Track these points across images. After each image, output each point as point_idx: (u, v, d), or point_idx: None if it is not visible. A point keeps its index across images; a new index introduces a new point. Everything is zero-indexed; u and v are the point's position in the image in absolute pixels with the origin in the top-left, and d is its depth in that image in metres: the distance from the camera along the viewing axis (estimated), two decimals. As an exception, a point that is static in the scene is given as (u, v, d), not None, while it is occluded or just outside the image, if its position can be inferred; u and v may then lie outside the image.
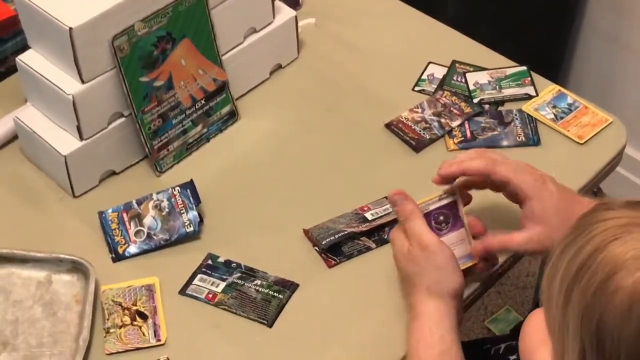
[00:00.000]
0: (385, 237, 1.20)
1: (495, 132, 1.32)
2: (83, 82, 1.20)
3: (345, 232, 1.19)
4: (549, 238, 1.07)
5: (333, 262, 1.19)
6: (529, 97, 1.37)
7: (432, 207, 1.10)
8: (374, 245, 1.20)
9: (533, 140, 1.30)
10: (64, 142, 1.24)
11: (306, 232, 1.21)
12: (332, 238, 1.18)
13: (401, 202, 1.07)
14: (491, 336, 1.96)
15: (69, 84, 1.20)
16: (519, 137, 1.31)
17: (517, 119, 1.33)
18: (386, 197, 1.24)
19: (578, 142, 1.30)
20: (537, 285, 1.69)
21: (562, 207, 1.08)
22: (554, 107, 1.35)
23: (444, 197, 1.10)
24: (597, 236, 0.78)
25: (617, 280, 0.75)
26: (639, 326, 0.74)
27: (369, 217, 1.22)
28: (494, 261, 1.13)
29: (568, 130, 1.32)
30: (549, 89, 1.38)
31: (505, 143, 1.30)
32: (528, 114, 1.34)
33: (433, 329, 1.03)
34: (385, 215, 1.22)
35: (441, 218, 1.10)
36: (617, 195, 2.14)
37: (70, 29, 1.15)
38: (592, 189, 1.30)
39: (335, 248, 1.19)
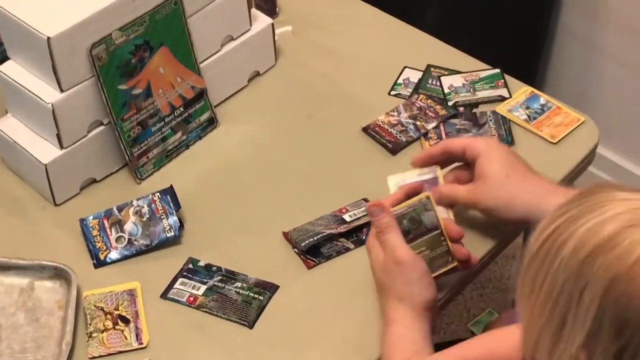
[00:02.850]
0: (364, 237, 1.22)
1: (470, 134, 1.34)
2: (62, 91, 1.22)
3: (324, 234, 1.21)
4: (487, 194, 1.12)
5: (312, 263, 1.20)
6: (502, 98, 1.39)
7: (406, 211, 1.11)
8: (352, 246, 1.22)
9: (507, 140, 1.33)
10: (45, 151, 1.26)
11: (285, 234, 1.23)
12: (311, 240, 1.20)
13: (378, 214, 1.09)
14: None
15: (49, 93, 1.22)
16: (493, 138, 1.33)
17: (491, 120, 1.35)
18: (365, 199, 1.26)
19: (551, 142, 1.33)
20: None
21: (505, 165, 1.12)
22: (527, 108, 1.37)
23: (417, 202, 1.11)
24: (619, 215, 0.77)
25: None
26: None
27: (347, 219, 1.24)
28: (471, 262, 1.14)
29: (541, 130, 1.34)
30: (522, 91, 1.40)
31: (480, 144, 1.33)
32: (502, 115, 1.36)
33: (404, 333, 1.05)
34: (363, 216, 1.24)
35: (416, 220, 1.11)
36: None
37: (49, 38, 1.16)
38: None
39: (315, 249, 1.21)
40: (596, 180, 2.12)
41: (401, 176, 1.17)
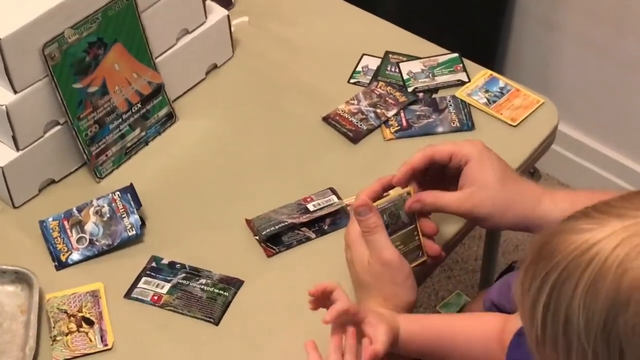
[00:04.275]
0: (326, 227, 1.22)
1: (431, 120, 1.34)
2: (16, 92, 1.20)
3: (286, 223, 1.21)
4: (484, 201, 1.09)
5: (272, 251, 1.20)
6: (461, 83, 1.39)
7: (386, 205, 1.10)
8: (313, 236, 1.21)
9: (467, 125, 1.33)
10: (1, 153, 1.24)
11: (248, 222, 1.22)
12: (272, 228, 1.20)
13: (365, 214, 1.07)
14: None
15: (2, 95, 1.20)
16: (453, 123, 1.33)
17: (451, 105, 1.35)
18: (331, 189, 1.25)
19: (511, 125, 1.33)
20: (483, 268, 1.71)
21: (500, 172, 1.09)
22: (487, 91, 1.37)
23: (396, 197, 1.11)
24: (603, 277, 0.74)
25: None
26: None
27: (311, 208, 1.23)
28: (440, 258, 1.14)
29: (501, 114, 1.34)
30: (480, 74, 1.40)
31: (440, 129, 1.33)
32: (461, 100, 1.36)
33: None
34: (327, 206, 1.23)
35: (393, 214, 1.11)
36: (553, 173, 2.18)
37: (-1, 39, 1.14)
38: (528, 169, 1.33)
39: (275, 238, 1.20)
40: (559, 159, 2.13)
41: (378, 204, 1.11)
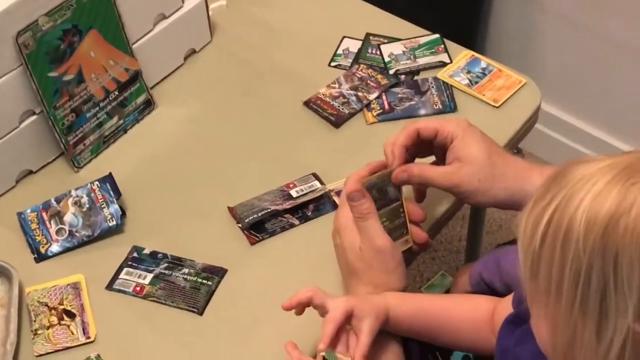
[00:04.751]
0: (310, 214, 1.21)
1: (413, 102, 1.32)
2: (-10, 81, 1.17)
3: (269, 210, 1.19)
4: (471, 176, 1.08)
5: (255, 239, 1.18)
6: (443, 64, 1.37)
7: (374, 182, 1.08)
8: (297, 222, 1.20)
9: (450, 107, 1.31)
10: (-24, 144, 1.21)
11: (231, 209, 1.21)
12: (255, 216, 1.18)
13: (358, 199, 1.05)
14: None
15: (-25, 85, 1.18)
16: (436, 105, 1.32)
17: (433, 87, 1.34)
18: (313, 174, 1.24)
19: (494, 106, 1.32)
20: (467, 248, 1.71)
21: (486, 148, 1.09)
22: (468, 72, 1.36)
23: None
24: (614, 178, 0.76)
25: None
26: None
27: (294, 195, 1.22)
28: (427, 245, 1.13)
29: (484, 95, 1.33)
30: (462, 55, 1.39)
31: (423, 112, 1.31)
32: (443, 82, 1.35)
33: None
34: (310, 192, 1.22)
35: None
36: (538, 152, 2.18)
37: (-29, 28, 1.12)
38: (512, 149, 1.32)
39: (258, 225, 1.19)
40: (542, 138, 2.13)
41: (370, 179, 1.09)
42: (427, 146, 1.13)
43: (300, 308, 1.01)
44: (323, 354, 0.96)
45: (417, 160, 1.13)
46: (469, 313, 1.07)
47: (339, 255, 1.10)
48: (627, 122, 1.99)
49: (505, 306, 1.02)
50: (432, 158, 1.15)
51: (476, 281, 1.21)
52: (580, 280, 0.76)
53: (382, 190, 1.09)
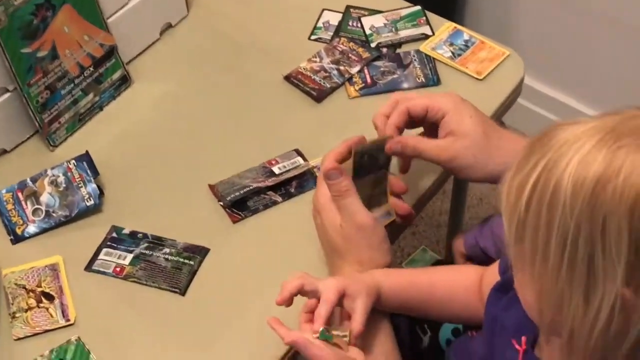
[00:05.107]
0: (293, 190, 1.18)
1: (395, 75, 1.30)
2: (-40, 58, 1.14)
3: (251, 187, 1.17)
4: (465, 151, 1.06)
5: (238, 217, 1.16)
6: (425, 37, 1.35)
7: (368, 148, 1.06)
8: (280, 200, 1.18)
9: (433, 80, 1.29)
10: (-53, 123, 1.18)
11: (212, 187, 1.18)
12: (237, 194, 1.16)
13: (335, 178, 1.03)
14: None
15: (-54, 62, 1.14)
16: (418, 79, 1.29)
17: (415, 60, 1.32)
18: (296, 150, 1.22)
19: (477, 78, 1.30)
20: (450, 222, 1.70)
21: (480, 122, 1.07)
22: (451, 44, 1.34)
23: None
24: (601, 140, 0.74)
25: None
26: None
27: (276, 171, 1.19)
28: (410, 217, 1.11)
29: (467, 67, 1.31)
30: (444, 27, 1.36)
31: (405, 85, 1.29)
32: (426, 54, 1.32)
33: None
34: (293, 169, 1.20)
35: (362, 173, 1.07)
36: (520, 127, 2.16)
37: (-61, 3, 1.08)
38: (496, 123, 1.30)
39: (241, 203, 1.17)
40: (525, 113, 2.11)
41: (364, 146, 1.08)
42: (416, 120, 1.11)
43: (291, 300, 0.98)
44: (317, 335, 0.94)
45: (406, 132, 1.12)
46: (458, 283, 1.06)
47: (320, 235, 1.08)
48: (607, 93, 1.98)
49: (491, 273, 1.02)
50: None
51: (471, 245, 1.21)
52: (567, 246, 0.74)
53: (373, 157, 1.07)
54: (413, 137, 1.09)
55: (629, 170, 0.72)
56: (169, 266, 1.11)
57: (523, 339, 0.88)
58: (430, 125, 1.11)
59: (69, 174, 1.18)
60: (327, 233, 1.05)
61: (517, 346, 0.88)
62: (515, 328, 0.89)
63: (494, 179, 1.08)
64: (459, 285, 1.06)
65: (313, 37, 1.37)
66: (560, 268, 0.75)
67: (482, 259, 1.19)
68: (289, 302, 0.98)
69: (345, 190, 1.03)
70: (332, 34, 1.37)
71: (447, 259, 1.75)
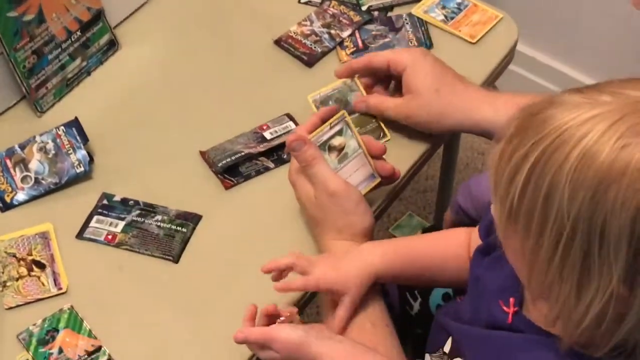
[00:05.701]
0: (285, 156, 1.17)
1: (387, 39, 1.28)
2: (-56, 22, 1.11)
3: (242, 154, 1.15)
4: (419, 109, 1.11)
5: (230, 183, 1.15)
6: (417, -1, 1.33)
7: (325, 137, 1.06)
8: (272, 165, 1.17)
9: (425, 44, 1.28)
10: None
11: (203, 154, 1.17)
12: (228, 160, 1.14)
13: (300, 148, 1.02)
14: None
15: None
16: (411, 42, 1.28)
17: (407, 23, 1.30)
18: (287, 115, 1.20)
19: (470, 42, 1.28)
20: (440, 188, 1.69)
21: (434, 79, 1.11)
22: (443, 7, 1.32)
23: (335, 124, 1.06)
24: (602, 136, 0.71)
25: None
26: None
27: (268, 137, 1.18)
28: (395, 175, 1.10)
29: (459, 31, 1.29)
30: (437, -10, 1.35)
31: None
32: (418, 18, 1.31)
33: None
34: (284, 134, 1.18)
35: (337, 144, 1.06)
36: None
37: None
38: (489, 87, 1.29)
39: (233, 169, 1.15)
40: (517, 79, 2.09)
41: (320, 92, 1.12)
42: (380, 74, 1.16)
43: (278, 274, 0.98)
44: None
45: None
46: (450, 250, 1.06)
47: (302, 209, 1.07)
48: (597, 58, 1.97)
49: (477, 235, 1.01)
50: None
51: (455, 210, 1.23)
52: (561, 241, 0.73)
53: (340, 101, 1.13)
54: (375, 96, 1.15)
55: (635, 175, 0.69)
56: (162, 233, 1.10)
57: (511, 300, 0.87)
58: (398, 80, 1.15)
59: (58, 140, 1.16)
60: (304, 206, 1.05)
61: (505, 308, 0.87)
62: (500, 289, 0.88)
63: (452, 132, 1.18)
64: (451, 252, 1.05)
65: (303, 0, 1.35)
66: (553, 259, 0.74)
67: (467, 222, 1.19)
68: (275, 275, 0.98)
69: (312, 159, 1.02)
70: (322, -3, 1.35)
71: (437, 225, 1.74)
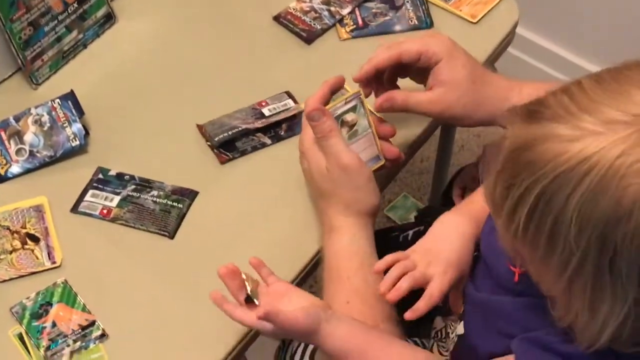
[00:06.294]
0: (282, 133, 1.16)
1: (387, 17, 1.27)
2: (-61, -9, 1.09)
3: (240, 129, 1.14)
4: (456, 102, 1.06)
5: (226, 157, 1.14)
6: (418, -23, 1.32)
7: (339, 112, 1.04)
8: (269, 142, 1.16)
9: (426, 23, 1.27)
10: None
11: (200, 127, 1.16)
12: (225, 134, 1.14)
13: (319, 118, 1.01)
14: (398, 225, 1.96)
15: None
16: (411, 21, 1.27)
17: (408, 2, 1.29)
18: (287, 93, 1.19)
19: (471, 22, 1.27)
20: (436, 170, 1.68)
21: (471, 70, 1.06)
22: (445, -14, 1.31)
23: (349, 100, 1.05)
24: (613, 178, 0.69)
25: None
26: None
27: (266, 113, 1.17)
28: (399, 160, 1.10)
29: (460, 10, 1.28)
30: (438, -32, 1.33)
31: (398, 28, 1.26)
32: (419, -4, 1.30)
33: (352, 241, 1.01)
34: (283, 111, 1.17)
35: (349, 120, 1.05)
36: (511, 75, 2.14)
37: None
38: (489, 68, 1.28)
39: (229, 144, 1.14)
40: (516, 63, 2.06)
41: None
42: (405, 68, 1.09)
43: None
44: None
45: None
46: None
47: (307, 179, 1.07)
48: (598, 43, 1.96)
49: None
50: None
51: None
52: (570, 264, 0.72)
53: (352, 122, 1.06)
54: (401, 92, 1.08)
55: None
56: (157, 209, 1.09)
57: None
58: (417, 70, 1.09)
59: (54, 113, 1.14)
60: (313, 177, 1.04)
61: (512, 268, 0.88)
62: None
63: (484, 124, 1.09)
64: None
65: (303, -24, 1.34)
66: (562, 275, 0.73)
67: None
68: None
69: (329, 131, 1.01)
70: (322, -27, 1.33)
71: (431, 206, 1.74)
